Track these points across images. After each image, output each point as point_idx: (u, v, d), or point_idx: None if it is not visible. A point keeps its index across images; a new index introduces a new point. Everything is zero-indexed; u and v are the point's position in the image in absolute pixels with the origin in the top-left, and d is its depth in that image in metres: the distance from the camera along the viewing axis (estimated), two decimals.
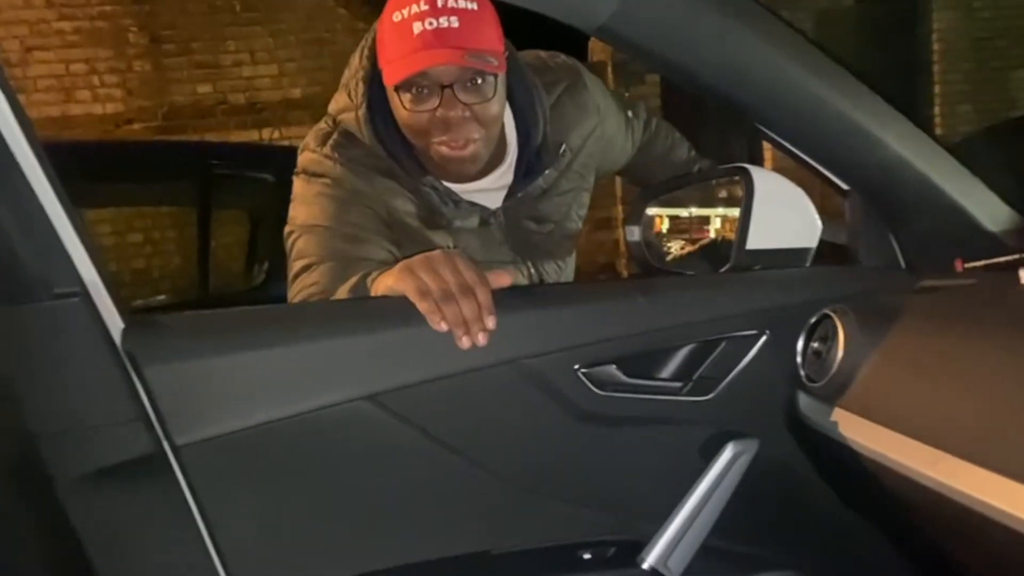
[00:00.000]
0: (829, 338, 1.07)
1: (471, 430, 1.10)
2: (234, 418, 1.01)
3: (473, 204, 1.39)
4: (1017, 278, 1.01)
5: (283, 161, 3.40)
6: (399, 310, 1.05)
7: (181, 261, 5.78)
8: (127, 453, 0.98)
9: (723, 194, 1.38)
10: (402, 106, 1.27)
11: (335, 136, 1.37)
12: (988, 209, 1.13)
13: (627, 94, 6.60)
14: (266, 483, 1.06)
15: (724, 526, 1.14)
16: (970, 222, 1.12)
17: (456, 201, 1.38)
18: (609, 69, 6.54)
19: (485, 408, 1.10)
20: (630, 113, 1.62)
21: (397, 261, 1.19)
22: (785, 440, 1.16)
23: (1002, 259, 1.07)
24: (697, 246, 1.43)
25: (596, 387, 1.11)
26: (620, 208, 6.30)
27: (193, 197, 3.20)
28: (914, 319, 1.05)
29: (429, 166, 1.35)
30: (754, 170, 1.22)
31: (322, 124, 1.41)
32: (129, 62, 6.71)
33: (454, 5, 1.20)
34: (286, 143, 5.89)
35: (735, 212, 1.26)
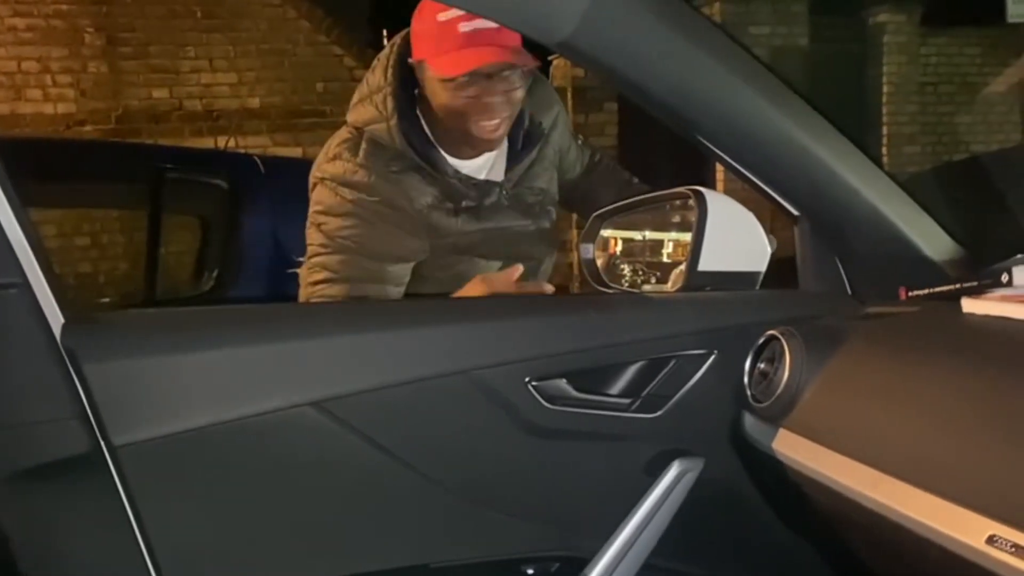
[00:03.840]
0: (776, 359, 1.09)
1: (418, 440, 1.09)
2: (174, 420, 0.99)
3: (488, 182, 1.60)
4: (959, 307, 1.04)
5: (237, 168, 3.37)
6: (349, 316, 1.04)
7: (128, 266, 5.67)
8: (62, 452, 0.95)
9: (676, 217, 1.40)
10: (445, 92, 1.47)
11: (364, 145, 1.52)
12: (932, 240, 1.16)
13: (586, 119, 6.70)
14: (204, 488, 1.04)
15: (667, 544, 1.14)
16: (915, 252, 1.15)
17: (476, 184, 1.58)
18: (569, 95, 6.61)
19: (433, 418, 1.09)
20: (579, 140, 1.85)
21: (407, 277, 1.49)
22: (730, 459, 1.16)
23: (945, 288, 1.09)
24: (650, 265, 1.45)
25: (546, 401, 1.11)
26: (574, 232, 6.35)
27: (143, 200, 3.15)
28: (859, 344, 1.07)
29: (447, 146, 1.55)
30: (708, 193, 1.24)
31: (344, 134, 1.57)
32: (84, 63, 6.59)
33: None
34: (242, 151, 5.82)
35: (687, 235, 1.28)
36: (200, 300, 3.03)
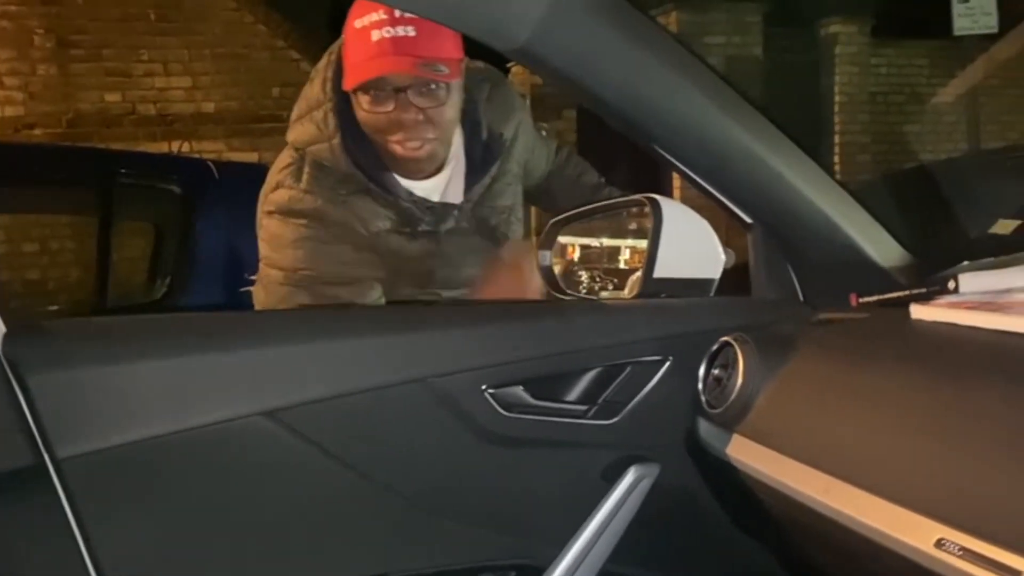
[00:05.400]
0: (729, 366, 1.10)
1: (373, 449, 1.08)
2: (122, 431, 0.97)
3: (445, 204, 1.49)
4: (908, 314, 1.06)
5: (191, 173, 3.33)
6: (302, 324, 1.02)
7: (79, 273, 5.56)
8: (3, 466, 0.92)
9: (633, 225, 1.40)
10: (361, 107, 1.36)
11: (307, 169, 1.41)
12: (882, 247, 1.18)
13: (545, 128, 6.71)
14: (155, 501, 1.01)
15: (624, 551, 1.15)
16: (865, 259, 1.17)
17: (431, 207, 1.46)
18: (528, 103, 6.62)
19: (389, 427, 1.08)
20: (544, 132, 1.75)
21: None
22: (686, 465, 1.17)
23: (894, 295, 1.11)
24: (606, 273, 1.45)
25: (503, 408, 1.11)
26: (534, 239, 6.36)
27: (94, 206, 3.09)
28: (811, 350, 1.08)
29: (391, 164, 1.42)
30: (663, 200, 1.25)
31: (286, 158, 1.44)
32: (33, 65, 6.46)
33: (412, 15, 1.28)
34: (197, 156, 5.74)
35: (644, 241, 1.28)
36: (152, 308, 2.98)
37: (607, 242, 1.48)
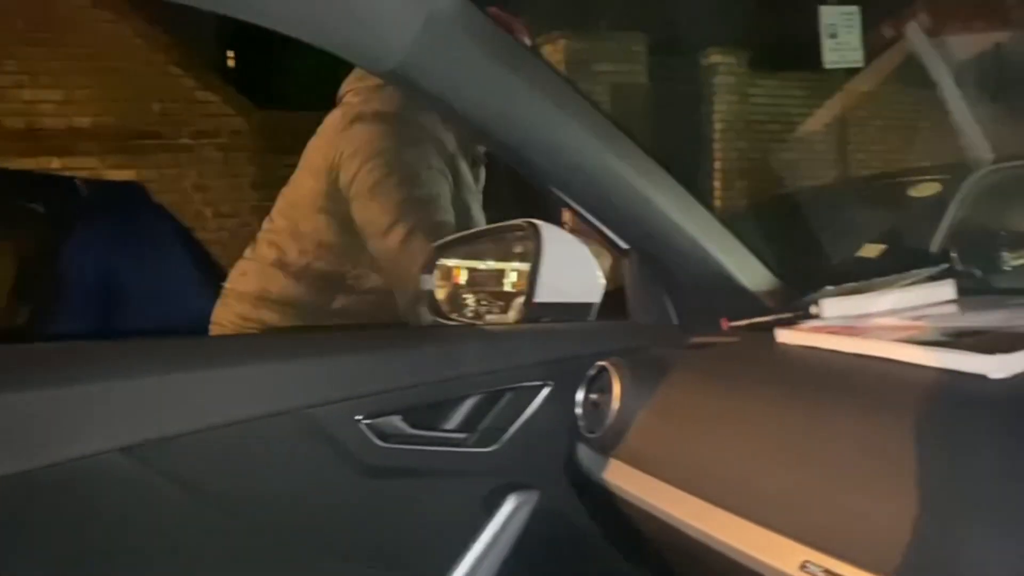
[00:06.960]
0: (605, 390, 1.10)
1: (241, 486, 1.03)
2: None
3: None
4: (774, 337, 1.09)
5: (55, 191, 3.15)
6: (163, 353, 0.97)
7: None
8: None
9: (519, 248, 1.40)
10: None
11: (386, 87, 1.66)
12: (751, 272, 1.22)
13: None
14: None
15: None
16: (735, 284, 1.20)
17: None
18: None
19: (257, 462, 1.04)
20: None
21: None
22: (566, 491, 1.17)
23: (762, 319, 1.14)
24: (492, 296, 1.44)
25: (379, 439, 1.08)
26: None
27: None
28: (683, 374, 1.10)
29: None
30: (543, 226, 1.25)
31: (358, 84, 1.73)
32: None
33: None
34: (66, 173, 5.46)
35: (526, 265, 1.28)
36: (14, 334, 2.79)
37: (493, 265, 1.47)
